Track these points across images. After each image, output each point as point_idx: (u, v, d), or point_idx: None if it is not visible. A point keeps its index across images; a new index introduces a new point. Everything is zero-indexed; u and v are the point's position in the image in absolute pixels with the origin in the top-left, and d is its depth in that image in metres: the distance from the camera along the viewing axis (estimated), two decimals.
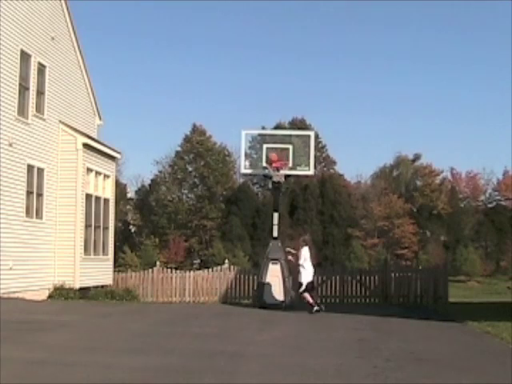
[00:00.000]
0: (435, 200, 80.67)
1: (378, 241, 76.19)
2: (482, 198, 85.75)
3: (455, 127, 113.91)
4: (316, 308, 16.43)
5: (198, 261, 71.93)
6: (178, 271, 25.49)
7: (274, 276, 18.76)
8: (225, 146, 78.92)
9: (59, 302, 18.94)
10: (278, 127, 68.53)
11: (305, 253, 17.20)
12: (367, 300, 22.48)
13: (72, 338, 11.02)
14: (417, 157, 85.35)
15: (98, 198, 22.84)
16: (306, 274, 17.00)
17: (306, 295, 16.79)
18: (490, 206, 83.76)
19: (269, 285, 18.70)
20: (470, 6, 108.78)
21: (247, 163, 20.80)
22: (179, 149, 78.45)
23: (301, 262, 17.09)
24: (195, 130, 78.89)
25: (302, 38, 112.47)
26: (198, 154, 77.14)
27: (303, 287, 16.86)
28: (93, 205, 22.29)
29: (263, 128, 53.35)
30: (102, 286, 22.41)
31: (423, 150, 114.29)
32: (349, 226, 74.53)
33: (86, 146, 21.64)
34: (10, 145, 18.73)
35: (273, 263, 18.86)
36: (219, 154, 77.99)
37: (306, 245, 17.40)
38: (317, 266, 19.02)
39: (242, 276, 23.41)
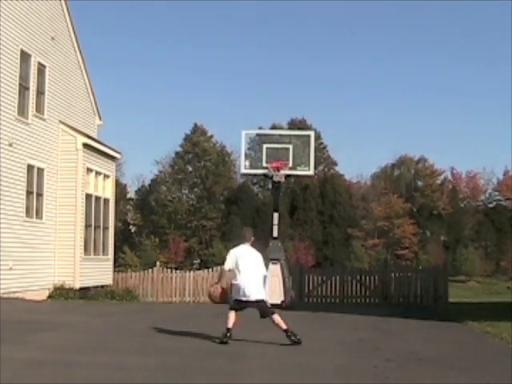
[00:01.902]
0: (436, 200, 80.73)
1: (378, 241, 76.21)
2: (482, 197, 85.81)
3: (455, 127, 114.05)
4: (224, 339, 10.27)
5: (198, 261, 71.95)
6: (178, 271, 25.50)
7: (273, 276, 18.78)
8: (223, 146, 79.16)
9: (59, 302, 18.94)
10: (273, 128, 68.30)
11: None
12: (367, 300, 22.45)
13: (72, 337, 11.01)
14: (421, 159, 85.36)
15: (98, 198, 22.85)
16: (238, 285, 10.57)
17: (231, 313, 10.49)
18: (490, 205, 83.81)
19: (269, 285, 18.70)
20: (471, 5, 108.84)
21: (247, 163, 20.79)
22: (180, 149, 78.57)
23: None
24: (196, 129, 78.94)
25: (303, 38, 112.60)
26: (197, 154, 77.22)
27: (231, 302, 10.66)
28: (93, 205, 22.29)
29: (260, 128, 53.30)
30: (102, 286, 22.42)
31: (423, 150, 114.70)
32: (349, 226, 74.55)
33: (86, 145, 21.64)
34: (10, 145, 18.72)
35: (273, 263, 18.88)
36: (218, 155, 78.05)
37: (245, 242, 10.80)
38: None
39: None
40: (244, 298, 10.29)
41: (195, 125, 79.03)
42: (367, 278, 22.96)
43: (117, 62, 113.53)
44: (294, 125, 75.14)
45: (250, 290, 10.28)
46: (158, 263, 27.13)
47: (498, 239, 76.57)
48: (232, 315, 10.37)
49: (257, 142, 21.61)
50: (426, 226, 77.80)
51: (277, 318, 10.27)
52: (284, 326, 10.23)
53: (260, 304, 10.33)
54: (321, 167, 78.62)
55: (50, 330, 11.79)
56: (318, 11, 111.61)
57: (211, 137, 79.38)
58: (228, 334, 10.23)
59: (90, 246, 22.13)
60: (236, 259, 10.47)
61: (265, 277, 10.98)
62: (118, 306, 18.35)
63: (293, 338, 10.11)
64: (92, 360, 8.63)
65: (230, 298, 10.65)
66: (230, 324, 10.31)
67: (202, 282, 23.83)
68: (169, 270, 24.96)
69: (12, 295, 17.97)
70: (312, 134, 21.72)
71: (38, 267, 20.02)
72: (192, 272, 25.50)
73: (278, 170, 19.39)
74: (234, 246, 10.88)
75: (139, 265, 57.34)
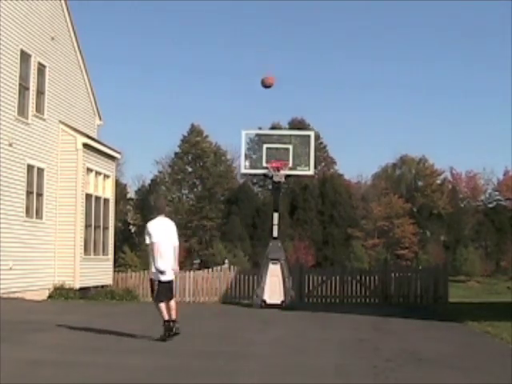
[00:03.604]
0: (436, 200, 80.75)
1: (378, 241, 76.21)
2: (482, 197, 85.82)
3: (455, 127, 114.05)
4: (169, 332, 10.00)
5: (198, 261, 71.92)
6: None
7: (274, 276, 18.79)
8: (219, 145, 79.24)
9: (59, 302, 18.94)
10: (273, 128, 68.25)
11: (153, 227, 10.14)
12: (367, 300, 22.46)
13: (72, 337, 11.01)
14: (422, 159, 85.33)
15: (98, 198, 22.85)
16: (158, 264, 9.97)
17: (162, 306, 10.06)
18: (490, 206, 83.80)
19: (269, 285, 18.72)
20: (470, 6, 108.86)
21: (247, 163, 20.80)
22: (178, 149, 78.63)
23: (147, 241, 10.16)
24: (193, 130, 79.00)
25: (303, 38, 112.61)
26: (196, 155, 77.26)
27: (155, 292, 10.07)
28: (93, 205, 22.30)
29: (260, 128, 53.28)
30: (102, 286, 22.42)
31: (424, 150, 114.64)
32: (349, 226, 74.55)
33: (85, 145, 21.65)
34: (10, 145, 18.73)
35: (273, 263, 18.90)
36: (216, 155, 78.11)
37: (161, 214, 10.34)
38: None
39: (242, 276, 23.39)
40: (163, 278, 9.92)
41: (192, 125, 79.15)
42: (367, 277, 22.96)
43: (117, 61, 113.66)
44: (294, 125, 75.12)
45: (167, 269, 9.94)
46: None
47: (498, 239, 76.56)
48: (163, 305, 9.99)
49: (256, 142, 21.62)
50: (425, 225, 77.81)
51: (163, 305, 9.98)
52: (166, 317, 9.98)
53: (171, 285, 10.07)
54: (320, 167, 78.59)
55: (50, 329, 11.78)
56: (318, 11, 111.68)
57: (206, 137, 79.44)
58: (169, 332, 9.92)
59: (90, 246, 22.14)
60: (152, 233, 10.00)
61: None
62: (118, 306, 18.35)
63: (167, 333, 9.94)
64: (92, 360, 8.63)
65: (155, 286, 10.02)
66: (167, 315, 9.95)
67: (201, 282, 23.80)
68: None
69: (12, 295, 17.97)
70: (312, 134, 21.71)
71: (37, 267, 20.02)
72: (192, 272, 25.48)
73: (278, 170, 19.39)
74: (151, 219, 10.31)
75: (139, 265, 57.26)
